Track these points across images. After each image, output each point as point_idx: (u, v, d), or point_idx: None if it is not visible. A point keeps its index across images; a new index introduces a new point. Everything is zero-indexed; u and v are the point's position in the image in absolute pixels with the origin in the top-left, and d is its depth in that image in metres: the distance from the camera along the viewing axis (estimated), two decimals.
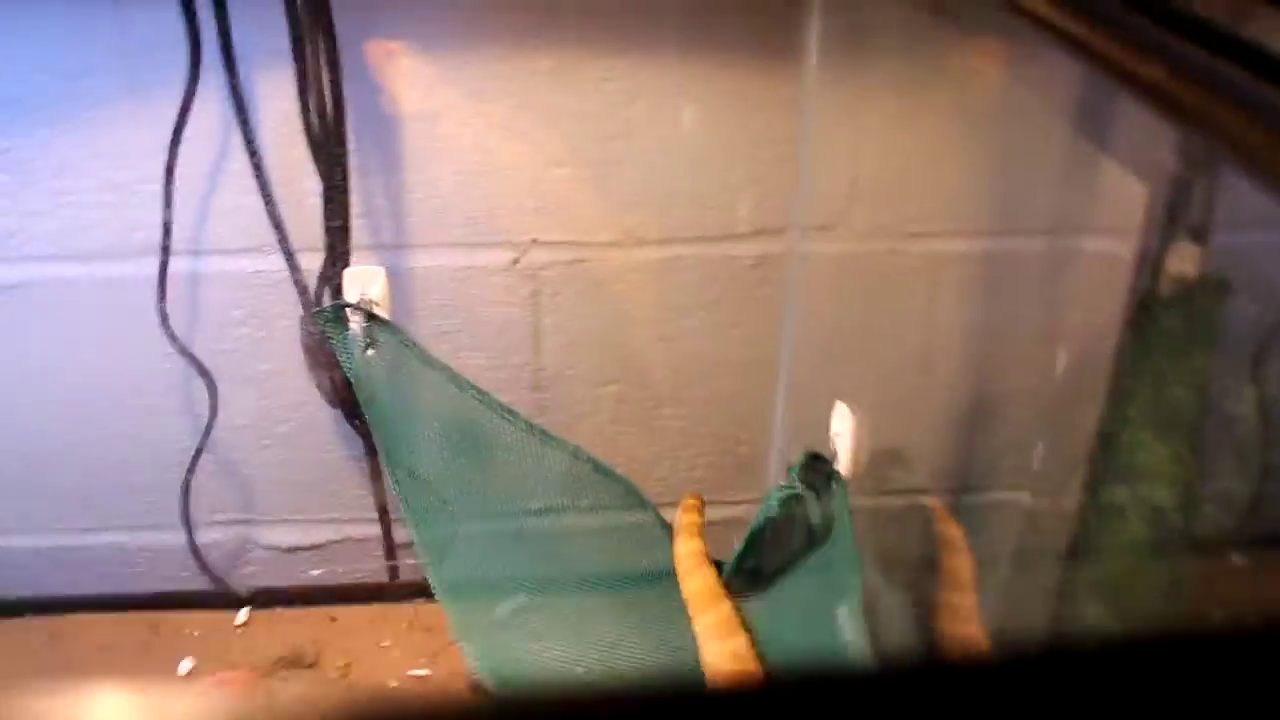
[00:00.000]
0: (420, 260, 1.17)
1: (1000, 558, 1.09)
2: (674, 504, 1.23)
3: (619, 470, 1.17)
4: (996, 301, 1.05)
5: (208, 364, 1.19)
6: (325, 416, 1.25)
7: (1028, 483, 1.04)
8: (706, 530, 1.13)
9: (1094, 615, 1.06)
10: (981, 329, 1.08)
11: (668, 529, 1.14)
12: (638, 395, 1.28)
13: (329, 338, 1.11)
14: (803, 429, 1.24)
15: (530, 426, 1.11)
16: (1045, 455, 1.02)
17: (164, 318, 1.14)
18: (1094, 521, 1.03)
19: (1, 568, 1.30)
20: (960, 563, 1.10)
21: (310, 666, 1.24)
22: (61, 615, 1.30)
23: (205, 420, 1.21)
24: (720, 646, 1.04)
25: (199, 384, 1.19)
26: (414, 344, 1.10)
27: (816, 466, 1.02)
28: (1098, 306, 0.84)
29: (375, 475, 1.27)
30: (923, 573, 1.13)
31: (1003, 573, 1.09)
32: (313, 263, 1.14)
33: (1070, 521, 1.03)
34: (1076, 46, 0.54)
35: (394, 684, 1.22)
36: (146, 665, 1.24)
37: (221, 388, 1.20)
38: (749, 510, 1.36)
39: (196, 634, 1.29)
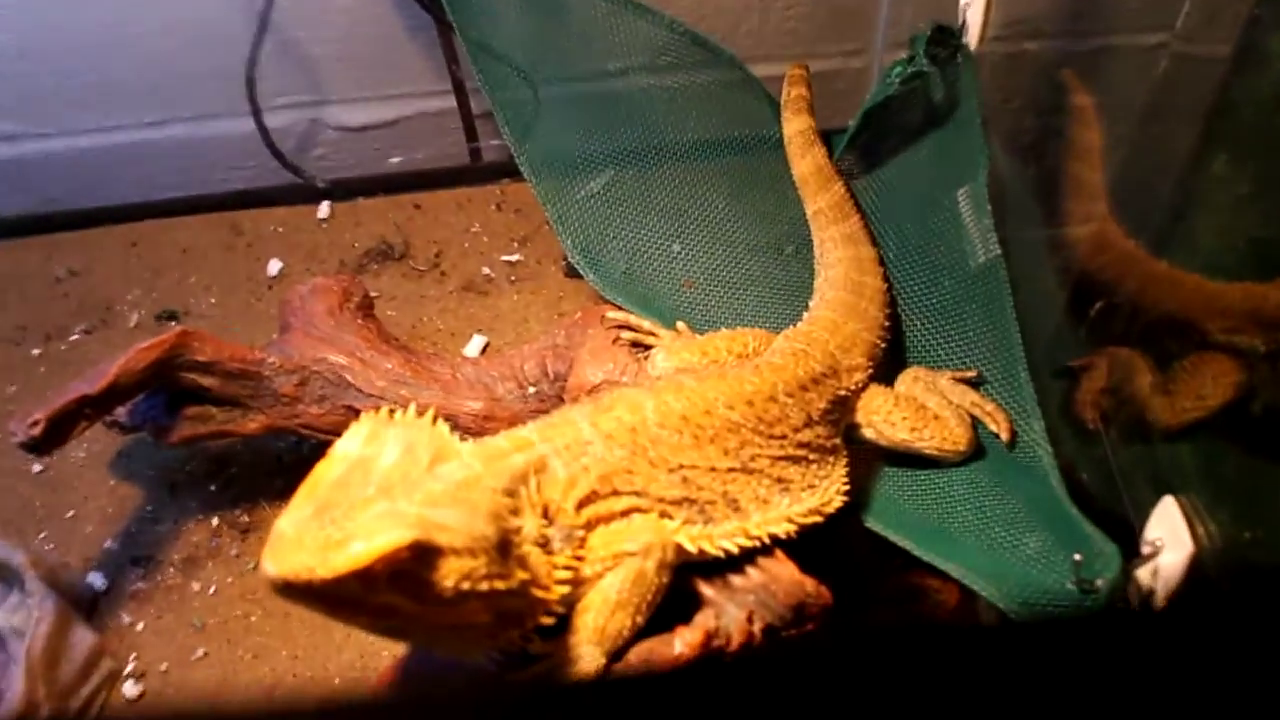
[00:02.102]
0: None
1: (1133, 116, 1.01)
2: (765, 59, 1.13)
3: (704, 25, 1.06)
4: None
5: None
6: None
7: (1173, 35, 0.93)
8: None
9: (1220, 169, 0.98)
10: None
11: (772, 101, 1.05)
12: None
13: None
14: None
15: None
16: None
17: None
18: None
19: (75, 175, 1.23)
20: (1090, 135, 1.02)
21: (400, 259, 1.20)
22: (140, 221, 1.25)
23: (260, 2, 1.10)
24: (834, 230, 0.98)
25: None
26: None
27: (942, 40, 0.91)
28: None
29: (448, 49, 1.16)
30: (1049, 147, 1.05)
31: (1134, 133, 1.01)
32: None
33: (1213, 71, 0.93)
34: None
35: (486, 271, 1.19)
36: (234, 267, 1.20)
37: None
38: (846, 63, 1.25)
39: (280, 231, 1.24)
